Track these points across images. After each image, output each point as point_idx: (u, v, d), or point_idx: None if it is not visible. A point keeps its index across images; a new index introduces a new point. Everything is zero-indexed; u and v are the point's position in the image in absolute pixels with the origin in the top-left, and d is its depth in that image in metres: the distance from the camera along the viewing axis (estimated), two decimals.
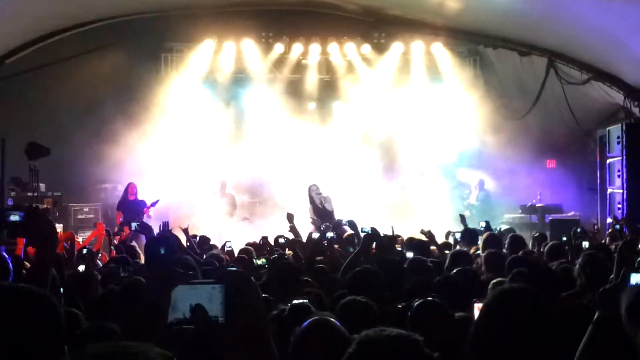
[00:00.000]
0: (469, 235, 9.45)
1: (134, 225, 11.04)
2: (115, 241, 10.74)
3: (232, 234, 13.38)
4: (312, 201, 14.63)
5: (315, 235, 9.35)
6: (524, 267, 6.21)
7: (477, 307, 4.85)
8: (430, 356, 2.29)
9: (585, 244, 8.60)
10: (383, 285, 5.25)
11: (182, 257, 5.66)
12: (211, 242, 10.41)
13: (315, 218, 14.23)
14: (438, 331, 3.82)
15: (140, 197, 14.27)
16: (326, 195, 14.76)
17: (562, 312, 4.55)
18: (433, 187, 16.63)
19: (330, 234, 8.86)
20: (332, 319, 3.39)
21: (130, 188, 14.33)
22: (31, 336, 2.26)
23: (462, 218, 10.58)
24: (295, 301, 4.59)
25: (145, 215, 13.71)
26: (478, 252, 8.39)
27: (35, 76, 14.83)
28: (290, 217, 9.78)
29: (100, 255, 9.69)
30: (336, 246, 8.73)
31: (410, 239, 9.25)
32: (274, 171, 16.57)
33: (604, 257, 6.05)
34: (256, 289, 2.95)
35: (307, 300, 4.49)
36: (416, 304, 4.20)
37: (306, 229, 12.50)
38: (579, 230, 9.75)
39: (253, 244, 9.83)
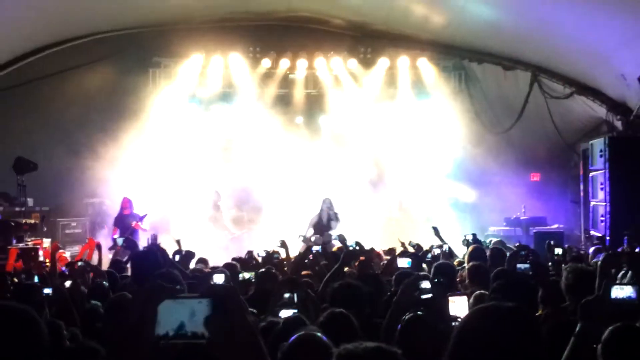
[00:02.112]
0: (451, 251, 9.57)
1: (120, 240, 11.11)
2: (109, 256, 10.79)
3: (220, 248, 13.49)
4: (320, 213, 14.64)
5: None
6: (508, 280, 6.30)
7: (451, 301, 4.96)
8: None
9: (558, 251, 8.72)
10: (364, 300, 5.29)
11: (168, 271, 5.69)
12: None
13: (310, 232, 14.27)
14: (426, 345, 3.89)
15: (135, 211, 14.30)
16: (338, 213, 14.76)
17: (546, 328, 4.63)
18: (419, 201, 16.72)
19: (316, 248, 8.92)
20: (318, 334, 3.44)
21: (123, 203, 14.34)
22: (13, 351, 2.29)
23: (436, 230, 10.56)
24: (287, 314, 4.68)
25: (136, 230, 13.74)
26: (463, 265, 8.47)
27: (24, 91, 14.86)
28: (283, 244, 9.79)
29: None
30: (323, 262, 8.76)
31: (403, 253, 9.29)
32: (262, 185, 16.64)
33: (586, 269, 6.13)
34: (242, 302, 2.98)
35: (297, 313, 4.57)
36: (406, 318, 4.26)
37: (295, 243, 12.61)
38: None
39: (239, 259, 9.82)
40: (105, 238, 13.93)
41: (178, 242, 9.85)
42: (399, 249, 9.78)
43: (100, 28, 15.36)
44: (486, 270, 7.20)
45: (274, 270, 7.41)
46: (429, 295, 4.76)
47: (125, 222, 14.02)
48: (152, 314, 2.28)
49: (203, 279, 7.03)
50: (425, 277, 5.60)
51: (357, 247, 9.11)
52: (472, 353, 2.35)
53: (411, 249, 9.83)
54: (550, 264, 8.27)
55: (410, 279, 5.10)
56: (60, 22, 14.03)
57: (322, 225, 14.43)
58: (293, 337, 3.36)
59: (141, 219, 13.94)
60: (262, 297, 6.25)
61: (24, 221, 13.32)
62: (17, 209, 14.02)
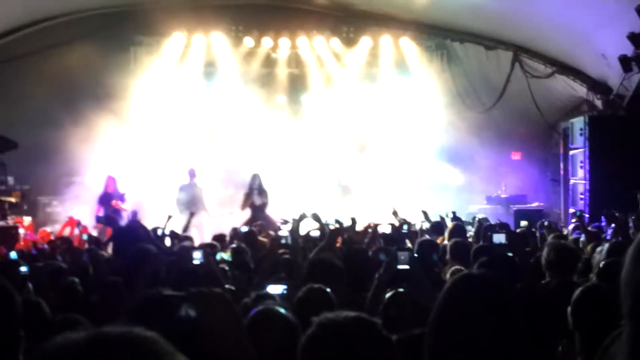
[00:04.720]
0: (437, 227, 9.65)
1: (101, 218, 11.10)
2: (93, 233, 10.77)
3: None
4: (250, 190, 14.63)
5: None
6: (489, 256, 6.38)
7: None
8: (388, 339, 2.33)
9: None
10: (340, 275, 5.34)
11: (144, 247, 5.71)
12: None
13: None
14: (408, 320, 3.95)
15: (119, 189, 14.27)
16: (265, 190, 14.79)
17: (526, 297, 4.70)
18: (401, 178, 16.78)
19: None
20: (278, 307, 3.48)
21: (108, 181, 14.30)
22: None
23: (425, 214, 10.69)
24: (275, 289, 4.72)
25: (117, 208, 13.72)
26: (445, 242, 8.57)
27: (3, 69, 14.73)
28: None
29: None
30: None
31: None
32: (245, 163, 16.61)
33: (567, 246, 6.22)
34: (228, 304, 2.94)
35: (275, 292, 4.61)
36: (387, 295, 4.31)
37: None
38: (545, 223, 9.95)
39: (219, 236, 9.72)
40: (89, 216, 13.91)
41: (169, 217, 9.81)
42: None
43: (81, 6, 15.24)
44: (467, 247, 7.29)
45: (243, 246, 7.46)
46: (406, 267, 4.80)
47: (110, 201, 14.01)
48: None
49: (182, 256, 7.05)
50: (405, 249, 5.65)
51: (337, 225, 9.16)
52: (452, 321, 2.39)
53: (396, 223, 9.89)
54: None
55: (391, 254, 5.15)
56: (39, 0, 13.92)
57: (255, 205, 14.42)
58: (252, 312, 3.40)
59: (121, 197, 13.92)
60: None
61: (4, 199, 13.27)
62: None
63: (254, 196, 14.38)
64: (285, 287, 5.02)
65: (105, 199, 14.14)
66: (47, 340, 1.43)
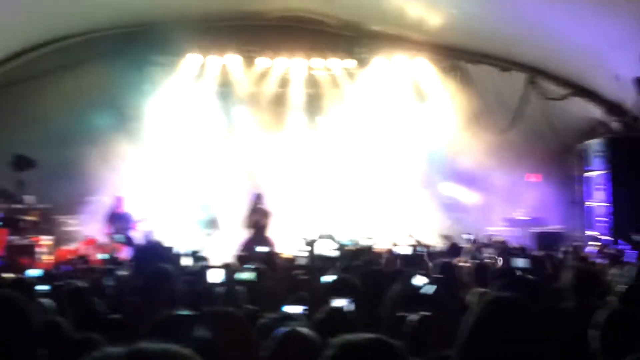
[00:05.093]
0: (454, 248, 9.62)
1: (119, 237, 11.11)
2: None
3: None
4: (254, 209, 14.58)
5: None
6: (509, 278, 6.34)
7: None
8: None
9: None
10: (359, 295, 5.33)
11: (162, 267, 5.71)
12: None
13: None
14: (433, 344, 3.92)
15: (127, 210, 14.29)
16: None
17: (550, 319, 4.67)
18: (416, 200, 16.73)
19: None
20: (304, 329, 3.46)
21: (117, 201, 14.33)
22: (1, 342, 2.29)
23: (448, 238, 10.59)
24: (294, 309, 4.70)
25: (133, 230, 13.76)
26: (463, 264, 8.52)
27: (21, 89, 14.83)
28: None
29: None
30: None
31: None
32: (260, 184, 16.61)
33: (589, 268, 6.17)
34: (242, 323, 2.92)
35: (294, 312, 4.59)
36: (415, 318, 4.29)
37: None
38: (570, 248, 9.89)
39: (240, 257, 9.72)
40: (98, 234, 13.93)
41: (187, 236, 9.85)
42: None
43: (96, 26, 15.35)
44: (487, 269, 7.25)
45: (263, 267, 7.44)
46: (429, 290, 4.78)
47: (118, 220, 14.01)
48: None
49: (201, 276, 7.05)
50: (421, 273, 5.64)
51: (354, 245, 9.16)
52: (482, 342, 2.37)
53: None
54: None
55: (406, 274, 5.13)
56: (57, 20, 14.04)
57: (258, 225, 14.37)
58: (278, 333, 3.39)
59: (141, 221, 13.95)
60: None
61: (23, 218, 13.31)
62: (15, 205, 13.99)
63: (257, 215, 14.34)
64: (305, 307, 5.01)
65: (114, 218, 14.17)
66: None
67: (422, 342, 3.88)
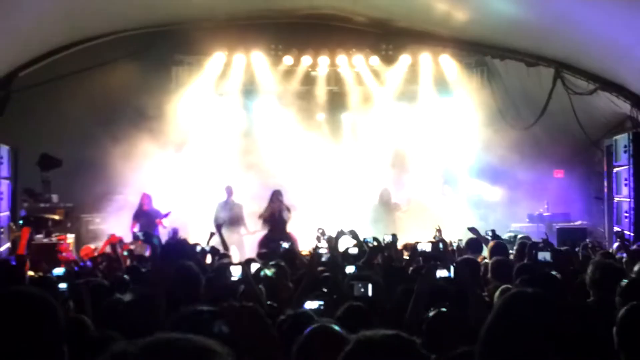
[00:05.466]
0: (474, 244, 9.56)
1: (140, 234, 11.20)
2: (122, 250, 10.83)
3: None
4: (272, 206, 14.55)
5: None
6: (531, 274, 6.30)
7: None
8: (426, 357, 2.32)
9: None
10: (381, 292, 5.34)
11: (185, 264, 5.76)
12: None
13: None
14: (453, 340, 3.91)
15: (155, 207, 14.43)
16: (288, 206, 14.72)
17: (571, 315, 4.63)
18: (442, 198, 16.69)
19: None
20: (333, 325, 3.48)
21: (143, 198, 14.47)
22: (29, 337, 2.33)
23: (474, 230, 10.43)
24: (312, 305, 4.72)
25: (159, 226, 13.88)
26: (485, 260, 8.49)
27: (47, 89, 14.97)
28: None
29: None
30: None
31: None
32: (284, 181, 16.67)
33: (613, 265, 6.11)
34: (260, 317, 2.94)
35: (310, 309, 4.61)
36: (431, 315, 4.28)
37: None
38: (589, 244, 9.80)
39: (263, 254, 9.77)
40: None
41: (212, 234, 9.91)
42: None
43: (123, 26, 15.46)
44: (509, 265, 7.22)
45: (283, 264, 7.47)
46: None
47: (144, 218, 14.14)
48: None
49: (221, 273, 7.10)
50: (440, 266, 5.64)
51: (375, 242, 9.14)
52: (505, 337, 2.36)
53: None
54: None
55: (427, 269, 5.13)
56: (84, 20, 14.14)
57: (275, 219, 14.34)
58: (308, 330, 3.40)
59: (165, 216, 14.05)
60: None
61: (48, 217, 13.47)
62: (41, 205, 14.16)
63: (277, 211, 14.36)
64: (321, 302, 5.02)
65: (141, 216, 14.30)
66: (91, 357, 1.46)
67: (436, 338, 3.89)
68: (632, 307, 3.79)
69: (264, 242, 13.00)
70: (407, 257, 8.96)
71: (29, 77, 14.49)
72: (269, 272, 7.74)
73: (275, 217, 14.27)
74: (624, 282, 5.22)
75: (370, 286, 5.45)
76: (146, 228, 13.39)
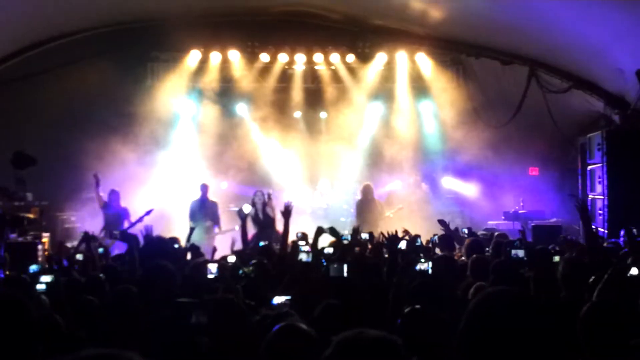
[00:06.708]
0: (446, 240, 9.61)
1: (115, 233, 11.10)
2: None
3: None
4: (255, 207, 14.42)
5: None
6: (507, 271, 6.36)
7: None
8: (408, 358, 2.30)
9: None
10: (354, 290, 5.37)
11: (161, 263, 5.74)
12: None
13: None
14: (428, 338, 3.93)
15: (123, 204, 14.30)
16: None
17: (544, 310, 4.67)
18: (418, 194, 16.74)
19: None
20: (300, 324, 3.49)
21: (112, 195, 14.32)
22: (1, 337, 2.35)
23: (444, 223, 10.45)
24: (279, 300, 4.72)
25: (126, 222, 13.73)
26: (462, 258, 8.54)
27: (21, 86, 14.85)
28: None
29: None
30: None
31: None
32: (261, 179, 16.67)
33: (582, 260, 6.18)
34: (238, 308, 2.95)
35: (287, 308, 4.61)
36: (405, 312, 4.30)
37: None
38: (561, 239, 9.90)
39: (238, 251, 9.71)
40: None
41: (191, 230, 9.92)
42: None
43: (98, 22, 15.36)
44: (486, 263, 7.26)
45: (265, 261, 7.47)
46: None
47: (114, 215, 14.01)
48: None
49: (198, 270, 7.10)
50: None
51: (352, 234, 9.18)
52: (481, 337, 2.37)
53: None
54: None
55: (405, 262, 5.16)
56: (59, 16, 14.04)
57: (260, 220, 14.26)
58: (275, 328, 3.41)
59: (147, 213, 13.95)
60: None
61: (23, 215, 13.32)
62: (16, 203, 14.01)
63: (258, 213, 14.25)
64: (289, 297, 5.04)
65: (110, 213, 14.16)
66: (64, 355, 1.45)
67: (410, 335, 3.90)
68: (592, 305, 3.83)
69: (251, 242, 12.92)
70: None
71: (2, 75, 14.35)
72: (246, 270, 7.75)
73: (260, 222, 14.17)
74: (592, 279, 5.29)
75: (345, 266, 5.48)
76: (113, 225, 13.30)
